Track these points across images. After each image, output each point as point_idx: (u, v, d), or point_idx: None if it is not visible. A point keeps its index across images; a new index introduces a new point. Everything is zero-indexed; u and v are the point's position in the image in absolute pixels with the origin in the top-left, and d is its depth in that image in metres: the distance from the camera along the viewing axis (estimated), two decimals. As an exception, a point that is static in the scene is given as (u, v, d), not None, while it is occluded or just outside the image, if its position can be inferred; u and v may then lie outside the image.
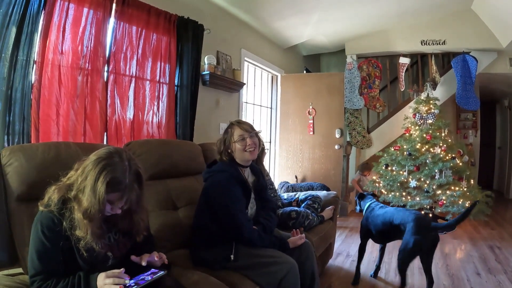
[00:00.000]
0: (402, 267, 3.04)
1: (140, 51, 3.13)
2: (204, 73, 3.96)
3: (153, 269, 1.55)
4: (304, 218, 3.13)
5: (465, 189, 5.09)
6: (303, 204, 3.50)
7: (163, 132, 3.41)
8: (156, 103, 3.33)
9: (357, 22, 6.07)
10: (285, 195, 3.84)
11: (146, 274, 1.50)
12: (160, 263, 1.63)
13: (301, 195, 3.76)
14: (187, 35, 3.53)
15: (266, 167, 5.55)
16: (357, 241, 4.54)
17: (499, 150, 9.88)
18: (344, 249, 4.37)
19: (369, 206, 3.41)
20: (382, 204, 3.35)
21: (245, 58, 5.08)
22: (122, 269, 1.41)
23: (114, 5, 2.84)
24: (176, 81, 3.51)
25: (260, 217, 2.41)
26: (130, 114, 3.10)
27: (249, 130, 2.35)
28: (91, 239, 1.44)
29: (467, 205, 4.90)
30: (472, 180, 5.39)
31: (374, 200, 3.49)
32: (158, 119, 3.37)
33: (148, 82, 3.22)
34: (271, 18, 5.14)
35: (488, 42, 6.16)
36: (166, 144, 2.96)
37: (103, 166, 1.43)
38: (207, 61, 3.97)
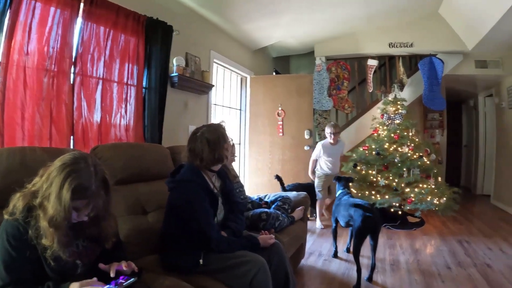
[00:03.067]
0: (355, 252, 3.41)
1: (107, 52, 3.10)
2: (172, 75, 3.93)
3: (123, 276, 1.55)
4: (275, 220, 3.15)
5: (433, 186, 5.27)
6: (273, 206, 3.52)
7: (131, 135, 3.38)
8: (124, 106, 3.29)
9: (327, 24, 6.21)
10: (255, 197, 3.84)
11: (117, 281, 1.50)
12: (129, 271, 1.61)
13: (271, 196, 3.80)
14: (156, 36, 3.53)
15: (236, 170, 5.60)
16: (329, 240, 4.68)
17: (466, 148, 10.38)
18: (316, 249, 4.43)
19: (339, 194, 4.13)
20: (349, 194, 4.00)
21: (215, 60, 5.10)
22: (94, 278, 1.42)
23: (82, 4, 2.81)
24: (144, 83, 3.49)
25: (229, 221, 2.43)
26: (97, 117, 3.06)
27: (230, 137, 2.46)
28: (58, 248, 1.41)
29: (435, 201, 5.08)
30: (439, 178, 5.59)
31: (344, 189, 4.14)
32: (126, 122, 3.34)
33: (115, 84, 3.19)
34: (241, 20, 5.19)
35: (454, 44, 6.44)
36: (134, 147, 2.93)
37: (68, 172, 1.41)
38: (176, 63, 3.94)
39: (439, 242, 4.81)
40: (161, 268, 2.17)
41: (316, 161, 5.56)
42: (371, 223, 3.37)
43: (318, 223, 5.51)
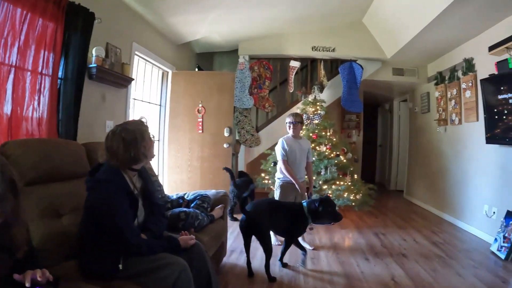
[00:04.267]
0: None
1: (23, 37, 2.82)
2: (91, 65, 3.66)
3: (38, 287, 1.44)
4: (194, 219, 3.15)
5: (349, 183, 5.61)
6: (192, 204, 3.50)
7: (44, 130, 3.10)
8: (37, 97, 3.02)
9: (253, 24, 6.35)
10: (173, 195, 3.75)
11: None
12: (44, 280, 1.48)
13: (189, 194, 3.75)
14: (76, 23, 3.29)
15: (155, 167, 5.53)
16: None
17: (380, 147, 11.34)
18: (238, 246, 4.51)
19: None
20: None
21: (136, 52, 4.92)
22: None
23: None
24: (60, 73, 3.24)
25: (149, 223, 2.39)
26: (7, 109, 2.78)
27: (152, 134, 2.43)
28: None
29: (352, 197, 5.40)
30: (355, 175, 5.98)
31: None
32: (39, 116, 3.06)
33: (29, 73, 2.93)
34: (168, 12, 5.10)
35: (374, 52, 6.98)
36: (47, 144, 2.71)
37: None
38: (95, 53, 3.68)
39: (356, 235, 5.19)
40: (80, 274, 2.08)
41: (286, 162, 4.42)
42: (242, 226, 3.61)
43: (273, 240, 4.51)
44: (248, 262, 3.65)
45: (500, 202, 4.80)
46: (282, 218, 3.76)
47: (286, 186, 4.44)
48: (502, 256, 4.26)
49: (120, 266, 2.07)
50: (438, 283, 3.53)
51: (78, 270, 2.10)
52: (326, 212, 3.67)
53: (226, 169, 5.31)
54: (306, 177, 4.68)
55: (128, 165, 2.27)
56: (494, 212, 4.92)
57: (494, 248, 4.50)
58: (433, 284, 3.50)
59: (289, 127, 4.50)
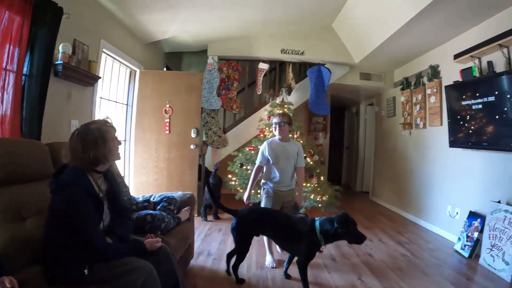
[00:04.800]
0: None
1: None
2: (57, 62, 3.56)
3: None
4: (160, 221, 3.12)
5: (315, 185, 5.69)
6: (158, 206, 3.47)
7: (7, 128, 3.00)
8: (0, 95, 2.94)
9: (223, 24, 6.37)
10: (139, 197, 3.71)
11: None
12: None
13: (156, 196, 3.71)
14: (43, 18, 3.19)
15: (121, 168, 5.50)
16: (217, 239, 4.85)
17: (347, 150, 11.63)
18: (205, 248, 4.52)
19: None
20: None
21: (104, 50, 4.83)
22: None
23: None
24: (25, 70, 3.15)
25: (115, 227, 2.35)
26: None
27: (116, 130, 2.37)
28: None
29: (318, 199, 5.48)
30: (322, 177, 6.07)
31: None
32: (2, 113, 2.96)
33: None
34: (137, 10, 5.04)
35: (343, 57, 7.17)
36: (10, 143, 2.58)
37: None
38: (62, 50, 3.58)
39: (323, 236, 5.25)
40: (44, 280, 2.03)
41: (260, 168, 4.11)
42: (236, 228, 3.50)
43: (268, 260, 4.12)
44: (235, 269, 3.58)
45: (463, 203, 5.06)
46: (281, 231, 3.41)
47: (269, 192, 4.00)
48: (466, 255, 4.52)
49: (86, 271, 2.03)
50: (404, 282, 3.65)
51: (42, 276, 2.05)
52: (347, 233, 3.14)
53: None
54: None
55: (89, 166, 2.22)
56: (457, 213, 5.17)
57: (457, 247, 4.75)
58: (399, 283, 3.62)
59: (275, 128, 3.99)
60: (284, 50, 7.12)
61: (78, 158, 2.15)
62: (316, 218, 3.29)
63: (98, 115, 4.85)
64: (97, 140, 2.17)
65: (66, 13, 3.52)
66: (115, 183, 2.51)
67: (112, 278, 2.06)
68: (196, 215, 5.90)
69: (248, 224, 3.48)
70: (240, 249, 3.51)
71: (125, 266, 2.09)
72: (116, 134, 2.37)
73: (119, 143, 2.36)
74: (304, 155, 5.79)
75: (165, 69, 7.65)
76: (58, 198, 2.07)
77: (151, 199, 3.65)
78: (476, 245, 4.47)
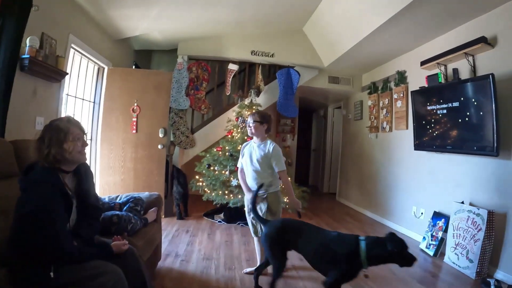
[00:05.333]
0: None
1: None
2: (24, 56, 3.42)
3: None
4: (127, 222, 3.05)
5: (282, 186, 5.72)
6: (124, 207, 3.40)
7: None
8: None
9: (194, 24, 6.33)
10: (106, 198, 3.65)
11: None
12: None
13: (122, 197, 3.65)
14: (12, 9, 3.07)
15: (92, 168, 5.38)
16: (185, 240, 4.83)
17: (314, 152, 11.81)
18: (173, 250, 4.49)
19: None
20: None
21: (72, 45, 4.69)
22: None
23: None
24: None
25: (81, 228, 2.27)
26: None
27: (83, 130, 2.26)
28: None
29: (285, 200, 5.52)
30: (289, 178, 6.09)
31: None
32: None
33: None
34: (108, 5, 4.93)
35: (312, 60, 7.28)
36: None
37: None
38: (29, 43, 3.45)
39: (291, 236, 5.31)
40: (10, 284, 1.93)
41: (241, 170, 3.99)
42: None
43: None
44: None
45: (428, 204, 5.26)
46: (316, 249, 2.98)
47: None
48: (431, 253, 4.71)
49: (52, 274, 1.95)
50: (371, 279, 3.72)
51: (7, 279, 1.94)
52: (397, 255, 2.76)
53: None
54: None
55: (53, 165, 2.11)
56: (422, 213, 5.37)
57: (423, 246, 4.93)
58: (367, 281, 3.68)
59: (248, 128, 3.80)
60: (254, 51, 7.15)
61: (40, 157, 2.08)
62: (360, 238, 2.83)
63: (64, 113, 4.72)
64: (52, 139, 2.08)
65: (35, 5, 3.39)
66: (84, 180, 2.39)
67: (79, 281, 1.99)
68: (163, 216, 5.90)
69: (278, 237, 3.15)
70: (274, 264, 3.21)
71: (93, 270, 2.03)
72: (81, 134, 2.23)
73: (84, 144, 2.24)
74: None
75: (134, 67, 7.54)
76: (29, 197, 1.98)
77: (118, 200, 3.59)
78: (440, 244, 4.65)
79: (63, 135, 2.11)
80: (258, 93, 6.92)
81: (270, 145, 3.74)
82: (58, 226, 1.97)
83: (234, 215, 6.05)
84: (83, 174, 2.40)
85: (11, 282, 1.93)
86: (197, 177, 6.21)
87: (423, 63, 5.16)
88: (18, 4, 3.15)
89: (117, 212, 3.14)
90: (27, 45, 3.48)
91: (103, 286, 1.99)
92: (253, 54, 7.16)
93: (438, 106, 4.77)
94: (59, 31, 4.28)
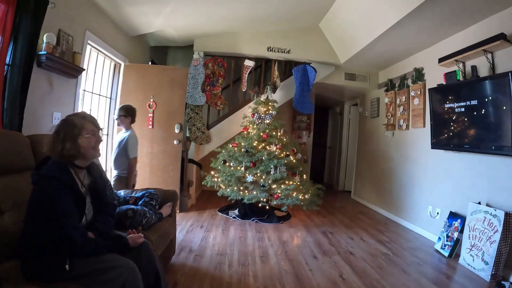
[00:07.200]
0: None
1: None
2: (41, 53, 3.50)
3: None
4: (142, 217, 3.10)
5: (298, 183, 5.72)
6: (140, 202, 3.45)
7: None
8: None
9: (209, 20, 6.34)
10: (122, 192, 3.72)
11: None
12: None
13: (138, 191, 3.71)
14: (28, 6, 3.13)
15: (103, 163, 5.47)
16: (199, 235, 4.85)
17: (330, 149, 11.68)
18: (187, 245, 4.51)
19: None
20: None
21: (89, 41, 4.75)
22: None
23: None
24: (7, 59, 3.09)
25: (97, 222, 2.30)
26: None
27: (98, 126, 2.27)
28: None
29: (300, 197, 5.54)
30: (304, 175, 6.09)
31: None
32: None
33: None
34: (123, 1, 4.97)
35: (328, 56, 7.22)
36: None
37: None
38: (46, 40, 3.53)
39: (305, 234, 5.34)
40: (23, 276, 1.94)
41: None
42: None
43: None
44: None
45: (444, 204, 5.17)
46: None
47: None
48: (446, 254, 4.63)
49: (67, 267, 1.96)
50: (385, 279, 3.71)
51: (20, 271, 1.97)
52: None
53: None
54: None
55: (66, 160, 2.15)
56: (437, 213, 5.28)
57: (438, 246, 4.86)
58: (380, 281, 3.67)
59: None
60: (270, 48, 7.14)
61: (53, 151, 2.12)
62: None
63: (81, 108, 4.80)
64: (67, 134, 2.12)
65: (52, 2, 3.49)
66: (99, 178, 2.45)
67: (92, 273, 2.01)
68: (178, 211, 5.94)
69: None
70: None
71: (106, 263, 2.05)
72: (95, 130, 2.25)
73: (98, 139, 2.26)
74: (287, 152, 5.83)
75: (150, 63, 7.58)
76: (36, 191, 2.03)
77: (133, 194, 3.64)
78: (456, 245, 4.58)
79: (77, 130, 2.14)
80: (274, 90, 6.90)
81: (126, 134, 4.53)
82: (65, 220, 1.99)
83: (249, 211, 6.07)
84: (97, 172, 2.46)
85: (24, 274, 1.95)
86: (212, 172, 6.23)
87: (441, 60, 5.08)
88: (34, 1, 3.20)
89: (132, 206, 3.18)
90: (44, 42, 3.54)
91: (116, 279, 2.00)
92: (269, 50, 7.14)
93: (456, 104, 4.69)
94: (76, 28, 4.35)
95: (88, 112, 2.32)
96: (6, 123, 3.14)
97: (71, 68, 4.13)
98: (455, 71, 4.81)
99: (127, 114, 4.55)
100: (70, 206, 2.06)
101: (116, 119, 4.59)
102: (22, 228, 2.06)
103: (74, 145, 2.13)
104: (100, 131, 2.30)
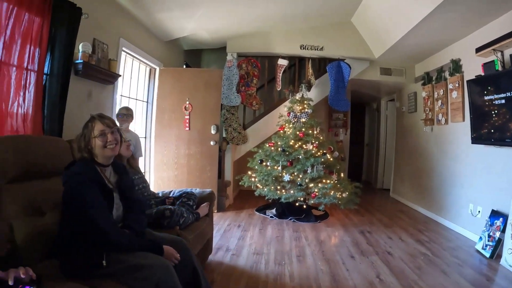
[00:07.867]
0: None
1: (8, 32, 2.78)
2: (77, 61, 3.66)
3: (22, 286, 1.47)
4: (179, 217, 3.14)
5: (335, 181, 5.66)
6: (177, 202, 3.51)
7: (29, 126, 3.06)
8: (22, 93, 2.97)
9: (241, 21, 6.36)
10: (159, 193, 3.81)
11: None
12: (28, 278, 1.51)
13: (175, 192, 3.77)
14: (62, 18, 3.27)
15: (141, 164, 5.55)
16: (236, 234, 4.87)
17: (367, 146, 11.52)
18: (224, 244, 4.55)
19: None
20: None
21: (123, 48, 4.90)
22: None
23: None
24: (46, 69, 3.21)
25: (128, 220, 2.35)
26: None
27: (111, 125, 2.28)
28: None
29: (338, 195, 5.49)
30: (342, 174, 6.03)
31: None
32: (24, 112, 3.01)
33: (14, 68, 2.89)
34: (155, 7, 5.07)
35: (362, 52, 7.06)
36: (31, 140, 2.57)
37: None
38: (81, 49, 3.68)
39: (342, 233, 5.26)
40: (61, 273, 2.02)
41: None
42: None
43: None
44: None
45: (485, 202, 4.92)
46: None
47: None
48: (487, 255, 4.38)
49: (104, 263, 2.00)
50: (423, 281, 3.59)
51: (59, 269, 2.04)
52: None
53: None
54: None
55: (87, 158, 2.21)
56: (479, 211, 5.03)
57: (479, 246, 4.62)
58: (418, 282, 3.56)
59: None
60: (303, 46, 7.07)
61: (78, 151, 2.22)
62: None
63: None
64: (84, 135, 2.21)
65: (85, 13, 3.59)
66: (125, 175, 2.51)
67: (127, 270, 2.03)
68: (215, 211, 6.00)
69: None
70: None
71: (141, 260, 2.07)
72: (106, 130, 2.24)
73: (108, 139, 2.24)
74: (324, 151, 5.78)
75: (184, 66, 7.68)
76: (66, 188, 2.10)
77: (171, 195, 3.70)
78: (497, 245, 4.35)
79: (89, 131, 2.21)
80: (309, 88, 6.85)
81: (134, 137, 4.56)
82: (96, 212, 2.04)
83: (286, 210, 6.04)
84: (122, 170, 2.52)
85: (63, 271, 2.02)
86: (249, 172, 6.24)
87: (478, 50, 4.84)
88: (68, 13, 3.33)
89: (170, 206, 3.22)
90: (80, 51, 3.69)
91: (151, 277, 2.01)
92: (302, 48, 7.07)
93: (495, 96, 4.47)
94: (110, 36, 4.49)
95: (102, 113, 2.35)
96: (47, 129, 3.25)
97: (107, 75, 4.27)
98: (493, 61, 4.58)
99: (132, 114, 4.58)
100: (99, 197, 2.11)
101: (124, 119, 4.43)
102: (59, 227, 2.15)
103: (89, 145, 2.20)
104: (113, 130, 2.28)
